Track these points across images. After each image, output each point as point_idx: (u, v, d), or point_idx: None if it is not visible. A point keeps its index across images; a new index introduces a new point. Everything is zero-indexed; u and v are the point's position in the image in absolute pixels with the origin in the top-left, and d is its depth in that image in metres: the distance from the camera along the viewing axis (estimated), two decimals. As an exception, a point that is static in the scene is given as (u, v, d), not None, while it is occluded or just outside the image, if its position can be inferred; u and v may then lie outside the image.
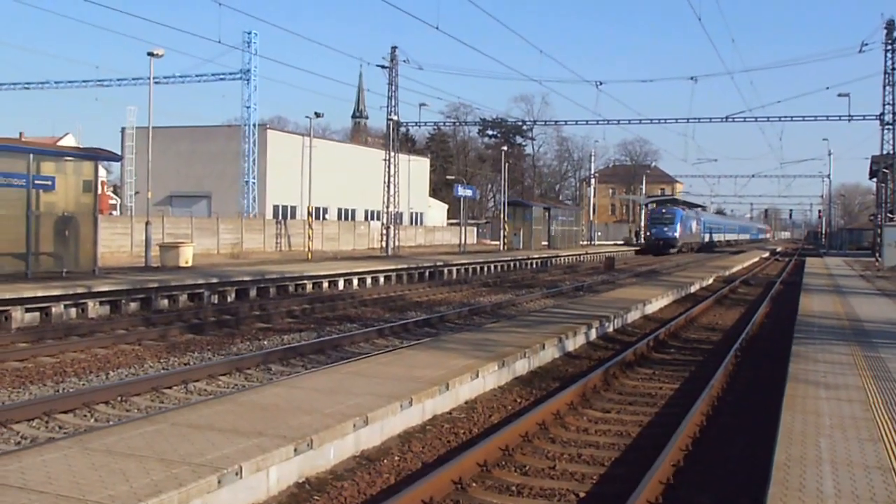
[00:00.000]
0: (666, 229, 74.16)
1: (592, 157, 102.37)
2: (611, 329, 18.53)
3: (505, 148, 80.00)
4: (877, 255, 48.90)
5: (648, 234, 77.08)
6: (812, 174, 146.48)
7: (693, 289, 30.53)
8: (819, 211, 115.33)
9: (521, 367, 13.19)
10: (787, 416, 8.67)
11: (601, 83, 51.61)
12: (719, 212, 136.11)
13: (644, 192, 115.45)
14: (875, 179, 58.08)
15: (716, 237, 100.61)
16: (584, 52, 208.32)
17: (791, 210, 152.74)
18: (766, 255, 75.96)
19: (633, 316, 20.85)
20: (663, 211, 77.92)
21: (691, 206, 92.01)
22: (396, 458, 8.55)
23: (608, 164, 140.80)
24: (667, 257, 67.33)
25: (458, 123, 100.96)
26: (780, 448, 7.42)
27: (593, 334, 17.23)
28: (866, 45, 47.61)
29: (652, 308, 23.06)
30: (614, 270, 46.56)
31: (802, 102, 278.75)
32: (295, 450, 7.50)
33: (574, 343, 15.93)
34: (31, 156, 22.83)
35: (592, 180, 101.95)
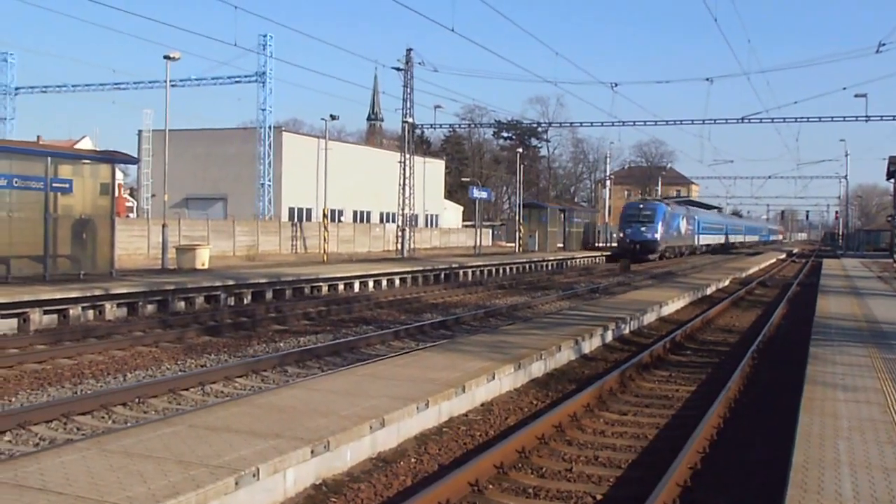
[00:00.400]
0: (644, 229, 59.89)
1: (608, 159, 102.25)
2: (627, 331, 18.49)
3: (520, 150, 79.85)
4: (894, 256, 48.66)
5: (622, 235, 62.10)
6: (829, 175, 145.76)
7: (709, 290, 30.45)
8: (836, 212, 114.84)
9: (537, 369, 13.18)
10: (805, 418, 8.64)
11: (616, 84, 51.71)
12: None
13: (660, 193, 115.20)
14: (892, 180, 57.75)
15: (714, 239, 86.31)
16: (600, 54, 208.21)
17: (808, 211, 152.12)
18: (783, 256, 75.64)
19: (649, 318, 20.80)
20: (640, 206, 63.59)
21: (682, 202, 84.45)
22: (413, 459, 8.56)
23: (624, 165, 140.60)
24: (682, 259, 66.45)
25: (473, 125, 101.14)
26: (799, 450, 7.39)
27: (609, 336, 17.20)
28: (883, 45, 47.17)
29: (668, 310, 23.00)
30: (630, 272, 46.48)
31: (819, 103, 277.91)
32: (312, 451, 7.52)
33: (590, 345, 15.90)
34: (49, 159, 22.95)
35: (608, 182, 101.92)
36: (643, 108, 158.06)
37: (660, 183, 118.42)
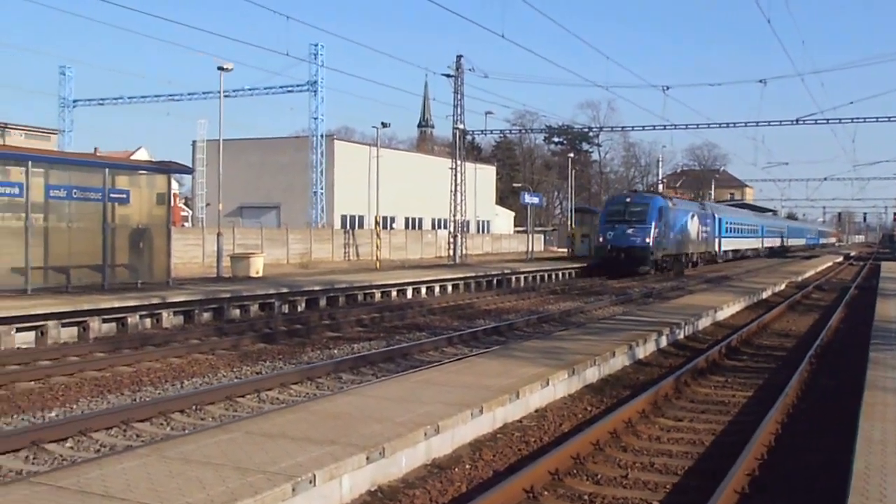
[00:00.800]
0: (630, 232, 44.60)
1: (660, 163, 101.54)
2: (681, 336, 18.34)
3: (571, 155, 79.56)
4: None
5: (601, 239, 46.22)
6: (887, 176, 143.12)
7: (765, 294, 30.08)
8: (894, 214, 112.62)
9: (592, 374, 13.11)
10: (866, 424, 8.51)
11: (668, 87, 50.96)
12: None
13: (713, 197, 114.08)
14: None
15: (743, 243, 72.15)
16: (651, 57, 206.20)
17: (865, 213, 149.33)
18: (840, 259, 74.46)
19: (704, 323, 20.60)
20: (627, 200, 47.47)
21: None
22: (467, 466, 8.57)
23: (676, 169, 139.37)
24: (735, 263, 65.15)
25: (523, 131, 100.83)
26: (859, 457, 7.28)
27: (664, 341, 17.07)
28: (942, 43, 46.46)
29: (723, 314, 22.76)
30: (684, 277, 46.07)
31: (876, 103, 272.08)
32: (367, 458, 7.56)
33: (644, 350, 15.80)
34: (107, 170, 23.40)
35: (660, 186, 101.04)
36: (695, 111, 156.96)
37: (713, 186, 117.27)
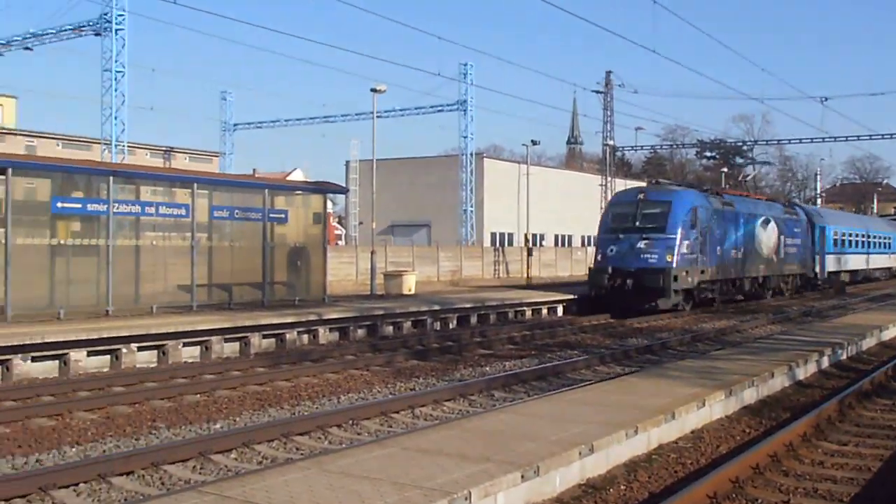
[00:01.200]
0: (642, 245, 29.52)
1: (818, 177, 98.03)
2: (844, 357, 17.65)
3: (724, 169, 77.68)
4: None
5: (598, 258, 30.98)
6: None
7: (935, 314, 28.62)
8: None
9: (749, 395, 12.77)
10: None
11: (826, 98, 49.48)
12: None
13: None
14: None
15: (860, 261, 52.09)
16: (808, 67, 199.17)
17: None
18: None
19: (869, 343, 19.77)
20: (640, 197, 31.20)
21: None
22: (622, 487, 8.48)
23: (835, 182, 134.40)
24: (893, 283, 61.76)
25: (675, 146, 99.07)
26: None
27: (825, 362, 16.47)
28: None
29: (889, 334, 21.78)
30: (845, 294, 44.31)
31: None
32: (522, 476, 7.57)
33: (805, 371, 15.28)
34: (266, 191, 24.29)
35: (819, 200, 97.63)
36: (856, 122, 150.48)
37: (875, 200, 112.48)
